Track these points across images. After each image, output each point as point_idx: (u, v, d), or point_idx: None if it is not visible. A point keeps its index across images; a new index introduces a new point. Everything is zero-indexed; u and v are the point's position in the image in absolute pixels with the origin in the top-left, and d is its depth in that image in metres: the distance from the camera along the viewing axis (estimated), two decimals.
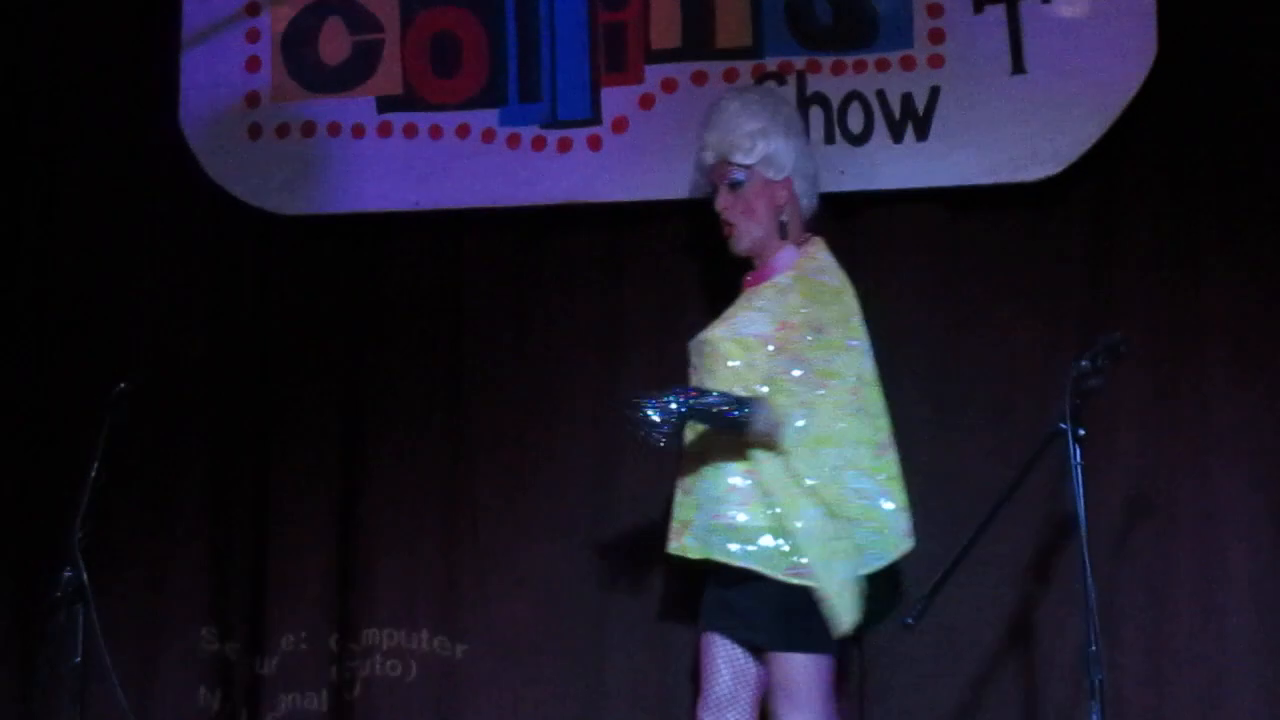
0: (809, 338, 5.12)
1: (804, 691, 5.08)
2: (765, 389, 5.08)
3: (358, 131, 5.94)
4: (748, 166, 5.27)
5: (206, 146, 6.01)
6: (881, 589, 5.26)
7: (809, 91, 5.73)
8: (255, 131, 5.99)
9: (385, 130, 5.93)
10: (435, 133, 5.90)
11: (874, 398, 5.20)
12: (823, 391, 5.09)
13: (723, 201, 5.32)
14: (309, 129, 5.97)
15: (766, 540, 5.09)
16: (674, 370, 5.67)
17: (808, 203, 5.38)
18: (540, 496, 5.89)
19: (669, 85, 5.81)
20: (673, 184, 5.75)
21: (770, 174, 5.29)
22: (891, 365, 5.46)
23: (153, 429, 5.86)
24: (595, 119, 5.82)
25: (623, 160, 5.77)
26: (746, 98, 5.41)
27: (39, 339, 6.10)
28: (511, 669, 5.84)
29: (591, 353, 5.90)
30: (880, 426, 5.20)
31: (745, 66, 5.77)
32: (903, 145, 5.68)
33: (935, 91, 5.68)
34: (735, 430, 5.06)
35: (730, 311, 5.28)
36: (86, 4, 6.21)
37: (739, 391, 5.07)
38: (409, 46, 5.94)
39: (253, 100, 5.99)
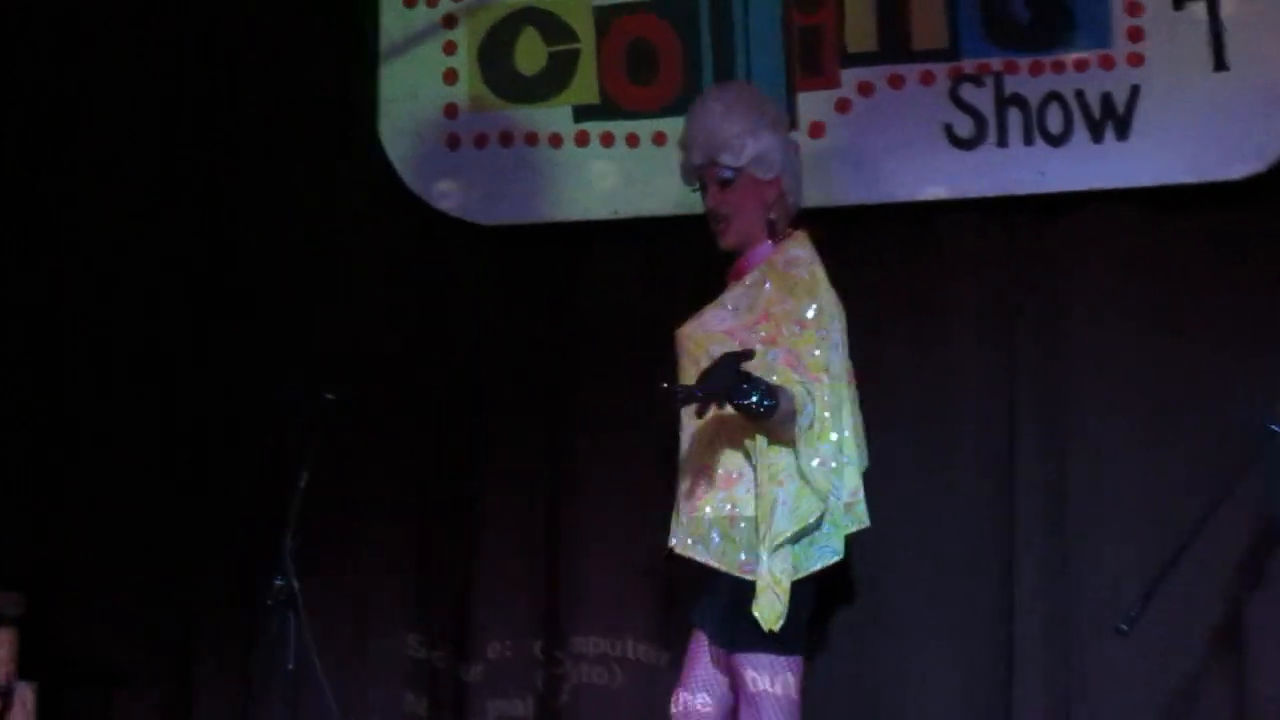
0: (796, 329, 5.05)
1: (756, 694, 4.97)
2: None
3: (555, 141, 5.98)
4: (737, 166, 5.18)
5: (405, 158, 6.07)
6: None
7: (1007, 93, 5.69)
8: (454, 142, 6.05)
9: (582, 139, 5.96)
10: (632, 141, 5.93)
11: (842, 393, 5.10)
12: (817, 384, 5.02)
13: (713, 199, 5.21)
14: (507, 139, 6.02)
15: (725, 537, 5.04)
16: (870, 372, 5.69)
17: (794, 200, 5.26)
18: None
19: (865, 89, 5.79)
20: (871, 187, 5.75)
21: (760, 173, 5.19)
22: (1092, 366, 5.42)
23: (360, 439, 5.93)
24: (791, 125, 5.80)
25: (820, 165, 5.74)
26: (729, 96, 5.26)
27: (247, 352, 6.20)
28: None
29: None
30: (848, 423, 5.10)
31: (941, 68, 5.74)
32: (1103, 145, 5.62)
33: (1135, 90, 5.62)
34: (755, 418, 4.92)
35: (705, 310, 5.23)
36: (286, 20, 6.29)
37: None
38: (605, 55, 5.98)
39: (451, 111, 6.05)
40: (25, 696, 5.63)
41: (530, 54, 6.03)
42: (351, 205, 6.18)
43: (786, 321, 5.05)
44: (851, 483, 5.07)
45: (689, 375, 5.07)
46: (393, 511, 6.10)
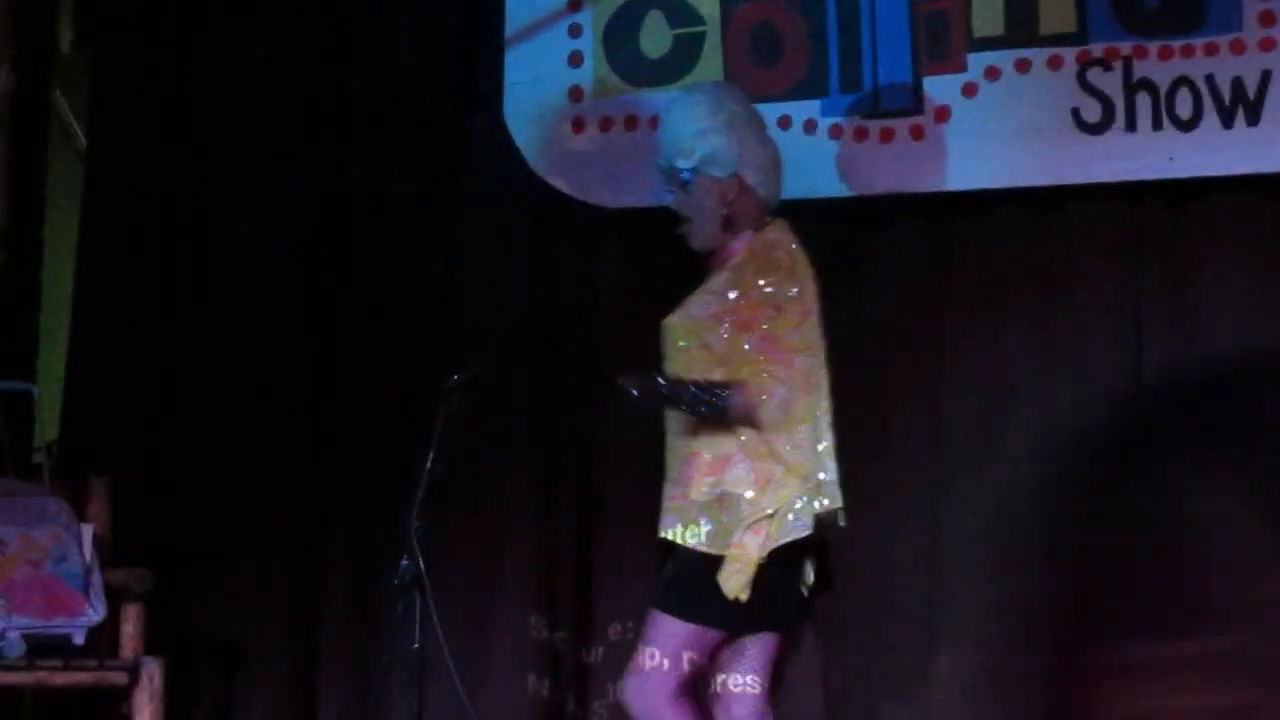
0: (772, 313, 5.00)
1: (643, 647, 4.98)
2: (721, 369, 4.98)
3: None
4: (693, 167, 5.14)
5: (531, 141, 6.10)
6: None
7: (1135, 78, 5.65)
8: (579, 125, 6.06)
9: None
10: None
11: (823, 374, 5.08)
12: (793, 367, 4.97)
13: (677, 201, 5.20)
14: (632, 122, 6.03)
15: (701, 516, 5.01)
16: (999, 358, 5.67)
17: (766, 191, 5.16)
18: (864, 490, 5.87)
19: (992, 73, 5.76)
20: (997, 173, 5.73)
21: (715, 172, 5.13)
22: (1221, 354, 5.38)
23: (484, 420, 5.95)
24: (917, 109, 5.81)
25: (946, 150, 5.74)
26: (688, 99, 5.22)
27: (373, 333, 6.25)
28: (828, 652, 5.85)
29: (916, 343, 5.89)
30: (826, 407, 5.07)
31: (1070, 53, 5.70)
32: (1233, 131, 5.58)
33: (1267, 75, 5.57)
34: (716, 416, 4.94)
35: (688, 298, 5.19)
36: (411, 5, 6.33)
37: (703, 376, 4.98)
38: (730, 38, 5.97)
39: (576, 95, 6.07)
40: (152, 672, 5.67)
41: (655, 37, 6.03)
42: (477, 190, 6.20)
43: (765, 305, 5.01)
44: (827, 462, 5.05)
45: (676, 365, 5.06)
46: (515, 494, 6.13)
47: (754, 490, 4.93)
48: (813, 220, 5.88)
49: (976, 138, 5.76)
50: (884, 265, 5.94)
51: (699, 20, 6.00)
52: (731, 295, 5.03)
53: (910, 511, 5.87)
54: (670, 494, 5.06)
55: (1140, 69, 5.65)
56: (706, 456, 5.00)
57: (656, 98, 5.96)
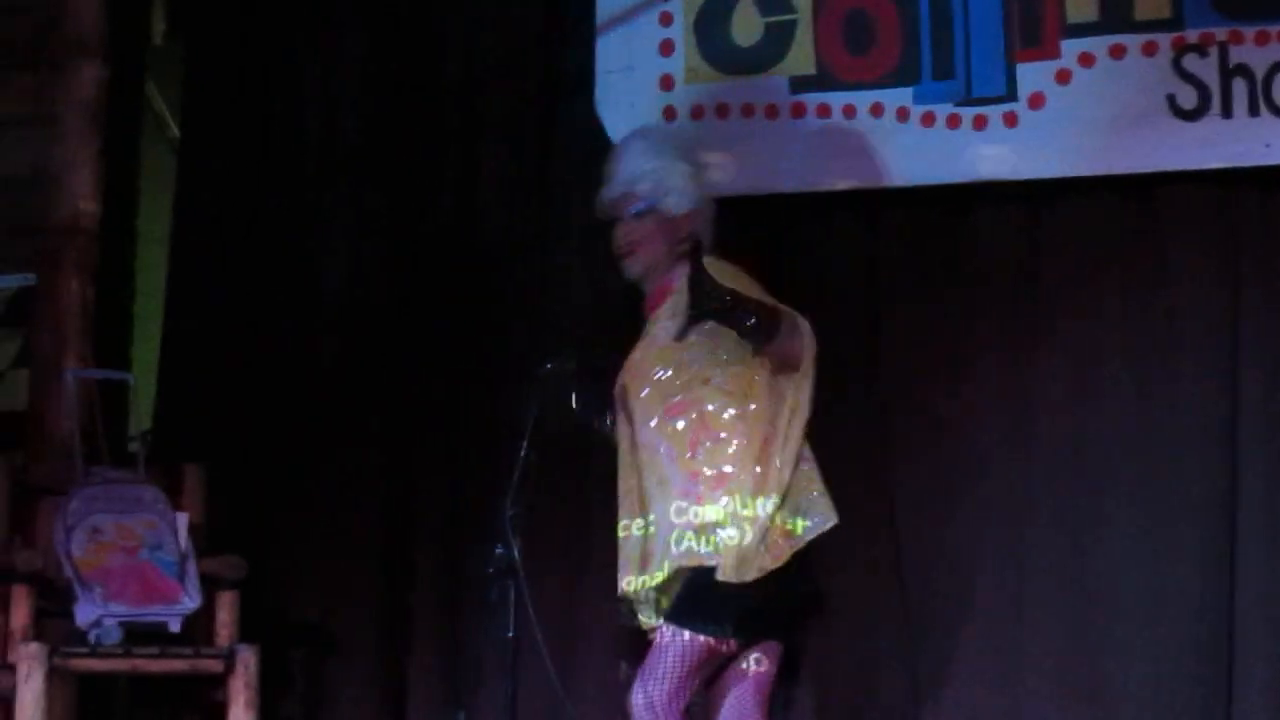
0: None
1: (652, 662, 5.05)
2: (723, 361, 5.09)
3: (771, 112, 5.98)
4: (650, 199, 5.26)
5: (622, 129, 6.06)
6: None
7: (1231, 63, 5.62)
8: (669, 114, 6.07)
9: (799, 110, 5.96)
10: (849, 112, 5.92)
11: None
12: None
13: (625, 228, 5.30)
14: (723, 110, 6.02)
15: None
16: (1091, 347, 5.63)
17: (707, 236, 5.29)
18: (956, 474, 5.87)
19: (1086, 60, 5.73)
20: (1092, 159, 5.71)
21: (670, 208, 5.26)
22: None
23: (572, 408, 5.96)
24: (1011, 95, 5.78)
25: (1040, 136, 5.73)
26: (650, 136, 5.43)
27: (467, 322, 6.26)
28: (925, 645, 5.84)
29: (1006, 330, 5.87)
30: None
31: (1165, 39, 5.67)
32: None
33: None
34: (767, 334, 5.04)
35: (642, 341, 5.26)
36: None
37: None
38: (821, 26, 5.96)
39: (667, 83, 6.07)
40: (247, 659, 5.70)
41: (746, 25, 6.03)
42: (568, 178, 6.21)
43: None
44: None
45: (652, 395, 5.14)
46: (603, 482, 6.12)
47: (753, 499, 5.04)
48: (904, 208, 5.92)
49: (1070, 124, 5.73)
50: (975, 253, 5.91)
51: (790, 8, 6.00)
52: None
53: (991, 507, 5.84)
54: (677, 521, 5.11)
55: (1236, 54, 5.62)
56: (708, 473, 5.09)
57: (749, 85, 5.97)
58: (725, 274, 5.10)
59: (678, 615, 5.06)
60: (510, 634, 4.99)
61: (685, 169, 5.32)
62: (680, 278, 5.17)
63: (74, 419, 5.87)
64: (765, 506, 5.04)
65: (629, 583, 5.20)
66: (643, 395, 5.21)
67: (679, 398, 5.15)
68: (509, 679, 5.02)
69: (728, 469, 5.07)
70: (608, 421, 5.34)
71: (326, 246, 6.46)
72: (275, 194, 6.51)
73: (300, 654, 6.28)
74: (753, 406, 5.10)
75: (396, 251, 6.40)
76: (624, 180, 5.30)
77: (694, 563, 5.05)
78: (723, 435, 5.09)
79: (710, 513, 5.06)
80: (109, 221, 6.26)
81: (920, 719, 5.81)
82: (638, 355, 5.27)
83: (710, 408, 5.11)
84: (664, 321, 5.22)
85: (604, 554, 6.03)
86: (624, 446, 5.28)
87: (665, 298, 5.24)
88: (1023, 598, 5.78)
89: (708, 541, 5.04)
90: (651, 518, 5.17)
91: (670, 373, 5.17)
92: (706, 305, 4.95)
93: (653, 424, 5.17)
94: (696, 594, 5.05)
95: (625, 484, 5.28)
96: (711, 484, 5.08)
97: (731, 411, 5.10)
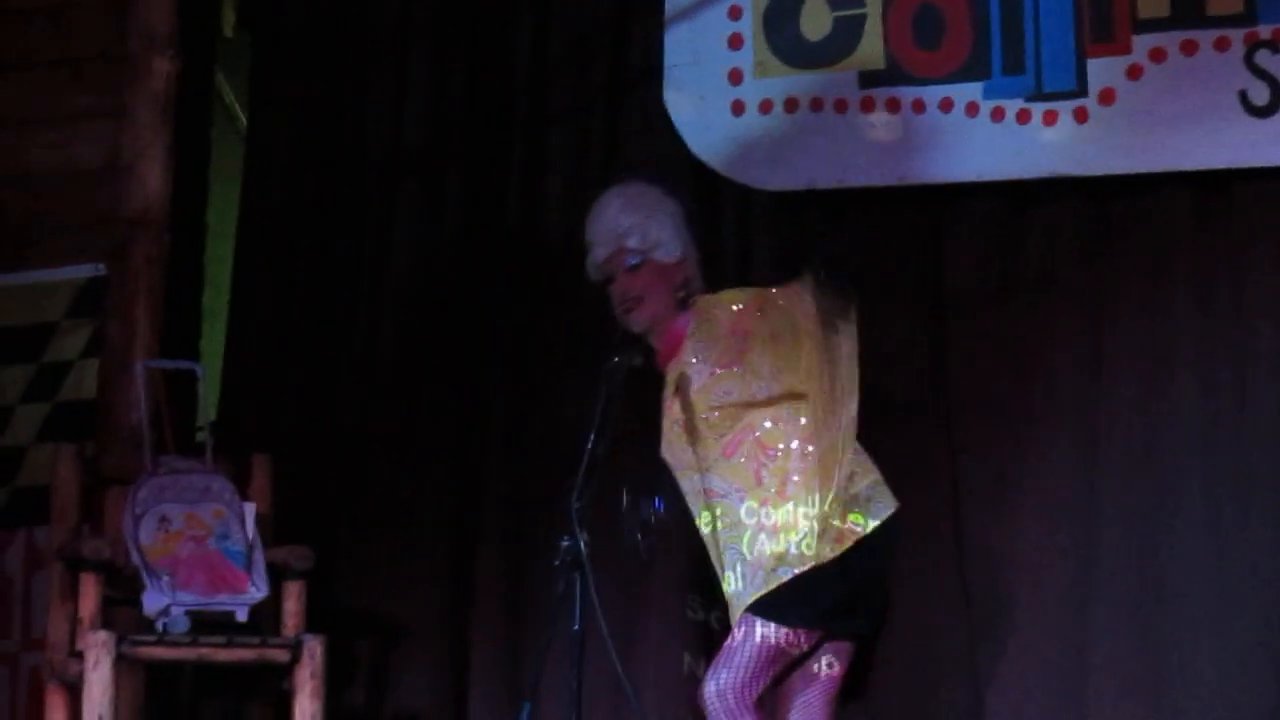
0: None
1: (727, 653, 5.09)
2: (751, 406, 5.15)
3: (840, 106, 5.97)
4: (641, 251, 5.31)
5: (690, 122, 6.11)
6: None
7: None
8: (738, 108, 6.06)
9: (868, 105, 5.95)
10: (918, 107, 5.91)
11: None
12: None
13: (622, 285, 5.33)
14: (791, 104, 6.02)
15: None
16: (1162, 344, 5.61)
17: (698, 285, 5.35)
18: (1024, 473, 5.85)
19: (1157, 55, 5.71)
20: (1163, 155, 5.69)
21: (662, 257, 5.31)
22: None
23: (638, 400, 5.95)
24: (1081, 90, 5.76)
25: (1110, 132, 5.71)
26: (629, 191, 5.43)
27: (533, 315, 6.29)
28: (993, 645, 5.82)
29: (1077, 325, 5.85)
30: None
31: (1237, 34, 5.64)
32: None
33: None
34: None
35: (667, 398, 5.29)
36: None
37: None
38: (891, 20, 5.95)
39: (735, 77, 6.06)
40: (314, 649, 5.72)
41: (815, 19, 6.02)
42: (635, 172, 6.20)
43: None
44: None
45: (708, 436, 5.17)
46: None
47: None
48: (974, 202, 5.90)
49: (1141, 120, 5.71)
50: (1045, 248, 5.89)
51: (859, 2, 5.98)
52: (711, 354, 5.19)
53: (1059, 507, 5.82)
54: (748, 522, 5.14)
55: None
56: (774, 489, 5.12)
57: (818, 80, 5.97)
58: (723, 303, 5.22)
59: (756, 607, 5.07)
60: (576, 626, 4.99)
61: (666, 219, 5.37)
62: (689, 322, 5.26)
63: (143, 409, 5.91)
64: (825, 499, 5.05)
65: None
66: (697, 449, 5.23)
67: (729, 435, 5.18)
68: (575, 671, 5.02)
69: (795, 477, 5.09)
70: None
71: (392, 239, 6.49)
72: (341, 186, 6.54)
73: (364, 643, 6.31)
74: (796, 407, 5.13)
75: (462, 245, 6.41)
76: (610, 238, 5.35)
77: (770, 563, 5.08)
78: (780, 447, 5.11)
79: (780, 515, 5.08)
80: (179, 213, 6.29)
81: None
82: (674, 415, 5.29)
83: (766, 427, 5.14)
84: (689, 360, 5.25)
85: (671, 544, 6.06)
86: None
87: (679, 346, 5.28)
88: (1089, 600, 5.75)
89: (780, 541, 5.06)
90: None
91: (717, 414, 5.19)
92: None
93: (715, 472, 5.20)
94: (776, 588, 5.06)
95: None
96: (779, 491, 5.11)
97: (780, 423, 5.13)
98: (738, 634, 5.09)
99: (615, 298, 5.39)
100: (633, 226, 5.33)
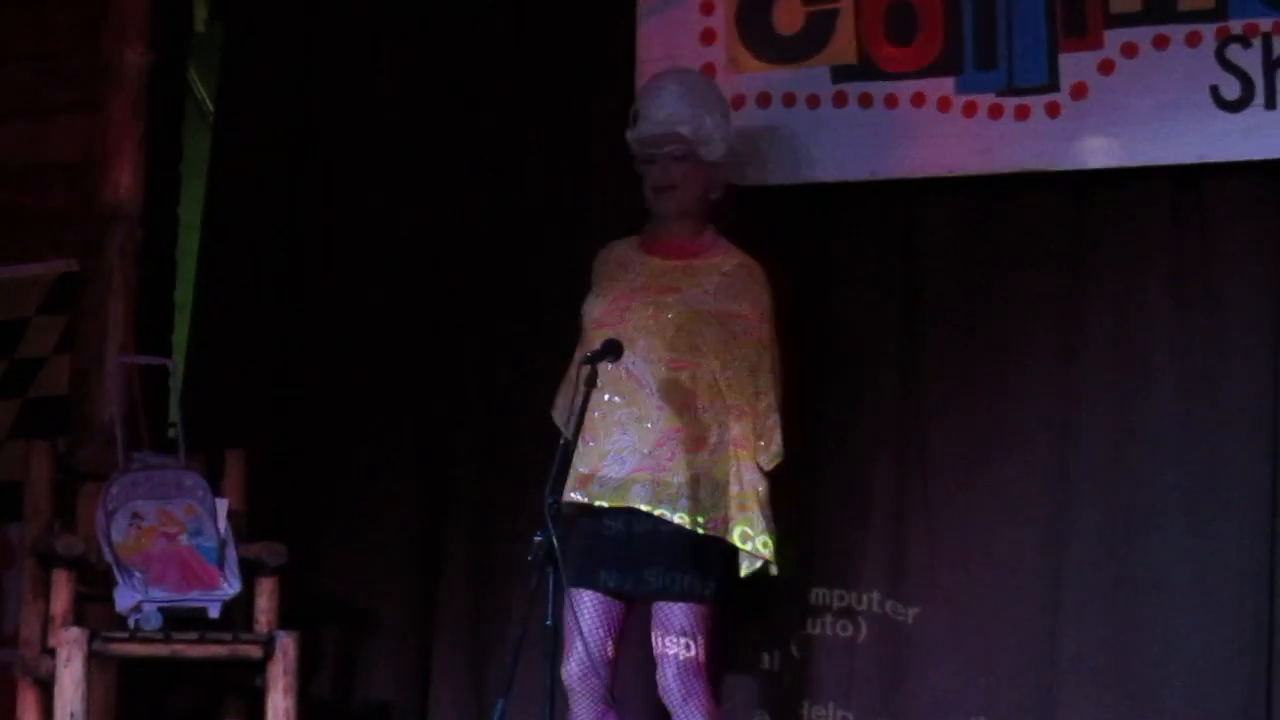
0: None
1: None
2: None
3: (813, 102, 5.96)
4: (690, 143, 5.49)
5: None
6: None
7: (1275, 54, 5.57)
8: None
9: (841, 100, 5.93)
10: (891, 101, 5.89)
11: None
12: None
13: (662, 168, 5.51)
14: (764, 100, 6.01)
15: None
16: (1135, 339, 5.62)
17: (720, 191, 5.61)
18: (994, 465, 5.85)
19: (1130, 50, 5.70)
20: (1135, 150, 5.67)
21: (706, 153, 5.51)
22: None
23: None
24: (1053, 85, 5.75)
25: (1082, 127, 5.70)
26: (691, 78, 5.66)
27: (504, 309, 6.30)
28: (963, 637, 5.82)
29: (1049, 321, 5.85)
30: None
31: (1209, 29, 5.62)
32: None
33: None
34: None
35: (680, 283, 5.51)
36: None
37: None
38: (864, 15, 5.93)
39: (708, 71, 6.03)
40: (287, 646, 5.72)
41: (789, 14, 6.01)
42: (606, 166, 6.20)
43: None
44: None
45: (645, 329, 5.43)
46: None
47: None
48: (945, 198, 5.90)
49: (1113, 115, 5.69)
50: (1017, 244, 5.89)
51: None
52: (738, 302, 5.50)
53: (1033, 500, 5.83)
54: (638, 465, 5.35)
55: None
56: (688, 435, 5.35)
57: (791, 75, 5.96)
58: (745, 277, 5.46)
59: None
60: (549, 621, 5.00)
61: (721, 119, 5.54)
62: (708, 247, 5.52)
63: (116, 405, 5.90)
64: None
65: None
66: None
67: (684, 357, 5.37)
68: (550, 666, 5.03)
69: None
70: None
71: (360, 232, 6.46)
72: (310, 178, 6.52)
73: (332, 634, 6.31)
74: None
75: (431, 239, 6.40)
76: (663, 120, 5.50)
77: None
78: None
79: None
80: (152, 208, 6.28)
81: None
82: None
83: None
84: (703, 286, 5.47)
85: None
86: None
87: (695, 256, 5.50)
88: (1061, 595, 5.76)
89: None
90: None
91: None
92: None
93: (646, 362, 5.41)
94: None
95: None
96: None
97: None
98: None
99: (652, 177, 5.54)
100: (689, 116, 5.49)
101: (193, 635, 5.67)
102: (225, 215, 6.57)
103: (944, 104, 5.84)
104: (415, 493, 6.33)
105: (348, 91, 6.51)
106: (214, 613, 5.71)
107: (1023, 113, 5.78)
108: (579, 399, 5.18)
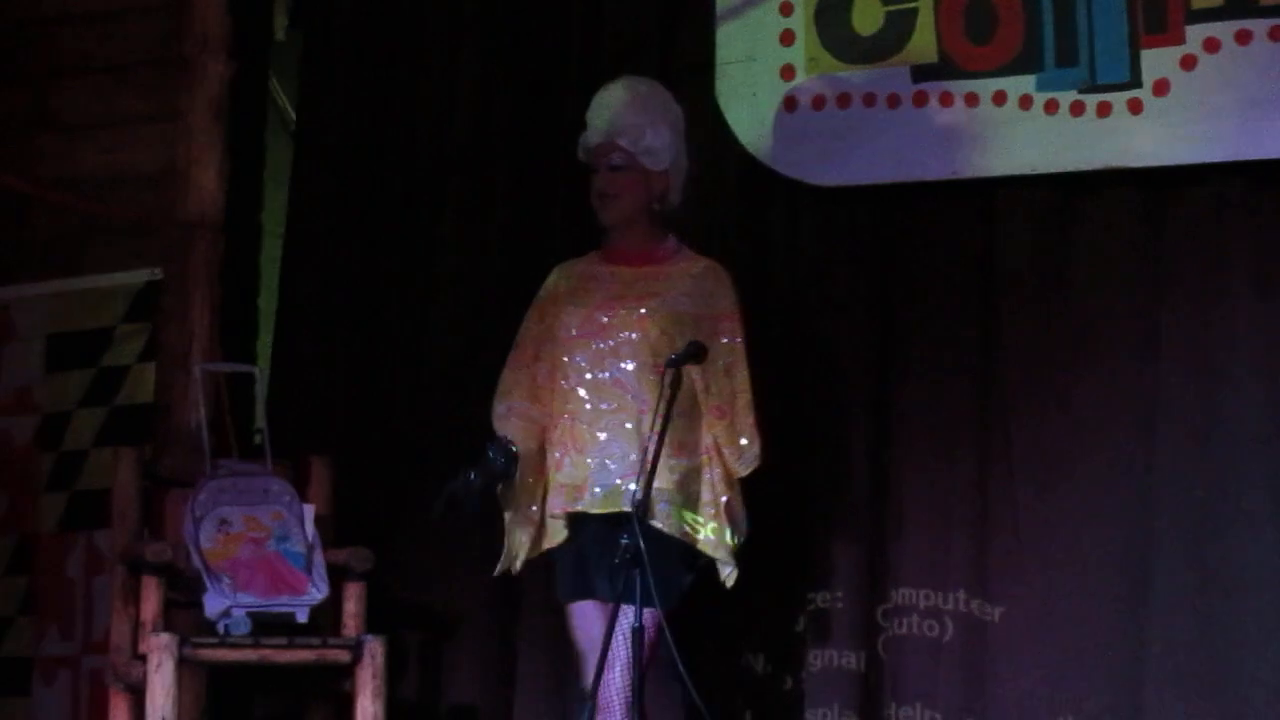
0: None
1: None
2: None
3: (893, 101, 5.96)
4: (630, 153, 5.51)
5: (743, 119, 6.10)
6: None
7: None
8: (790, 104, 6.05)
9: (920, 99, 5.93)
10: (971, 100, 5.88)
11: None
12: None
13: (603, 177, 5.55)
14: (844, 100, 6.01)
15: None
16: (1217, 336, 5.59)
17: (675, 198, 5.60)
18: (1076, 464, 5.84)
19: (1211, 45, 5.67)
20: (1218, 146, 5.65)
21: (649, 164, 5.51)
22: None
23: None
24: (1135, 82, 5.73)
25: (1164, 123, 5.68)
26: (638, 88, 5.61)
27: None
28: (1049, 636, 5.80)
29: (1130, 319, 5.82)
30: None
31: None
32: None
33: None
34: None
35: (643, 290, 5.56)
36: None
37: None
38: (943, 14, 5.93)
39: (788, 73, 6.05)
40: (374, 650, 5.74)
41: (867, 14, 6.01)
42: (691, 166, 6.20)
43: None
44: None
45: (628, 335, 5.47)
46: None
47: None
48: (1029, 194, 5.89)
49: (1195, 111, 5.67)
50: (1099, 242, 5.87)
51: None
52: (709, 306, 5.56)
53: (1115, 501, 5.80)
54: (626, 471, 5.37)
55: None
56: (674, 441, 5.36)
57: (870, 75, 5.96)
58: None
59: None
60: (636, 624, 5.01)
61: (665, 129, 5.56)
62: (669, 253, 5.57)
63: (201, 412, 5.94)
64: None
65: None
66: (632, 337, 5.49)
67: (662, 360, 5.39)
68: (637, 669, 5.04)
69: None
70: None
71: (440, 237, 6.49)
72: (390, 185, 6.56)
73: (416, 639, 6.33)
74: None
75: (511, 244, 6.42)
76: (606, 130, 5.54)
77: None
78: None
79: None
80: (234, 216, 6.33)
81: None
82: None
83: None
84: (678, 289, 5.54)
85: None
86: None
87: (662, 262, 5.58)
88: (1145, 592, 5.73)
89: None
90: None
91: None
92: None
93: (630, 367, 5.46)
94: None
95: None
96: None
97: None
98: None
99: (594, 186, 5.58)
100: (630, 127, 5.52)
101: (281, 640, 5.70)
102: (307, 222, 6.62)
103: (1025, 102, 5.83)
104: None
105: (427, 97, 6.54)
106: (301, 617, 5.73)
107: (1104, 110, 5.76)
108: (662, 403, 5.19)
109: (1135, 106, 5.73)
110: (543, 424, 5.58)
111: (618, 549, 5.09)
